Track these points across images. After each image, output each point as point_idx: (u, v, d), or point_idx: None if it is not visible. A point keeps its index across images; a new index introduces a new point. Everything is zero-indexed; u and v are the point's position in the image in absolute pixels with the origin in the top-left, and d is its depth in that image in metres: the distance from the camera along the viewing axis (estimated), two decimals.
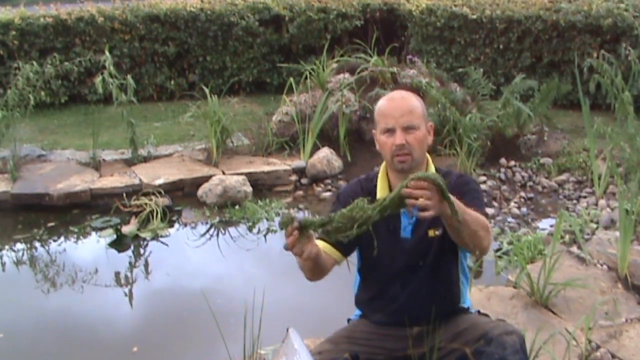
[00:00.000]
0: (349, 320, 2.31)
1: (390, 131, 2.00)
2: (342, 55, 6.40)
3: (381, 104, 2.08)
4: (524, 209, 4.64)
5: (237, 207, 4.75)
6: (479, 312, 2.23)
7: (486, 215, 2.00)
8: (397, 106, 2.01)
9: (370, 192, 2.10)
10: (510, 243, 3.93)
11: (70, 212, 4.74)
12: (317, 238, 1.97)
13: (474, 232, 1.85)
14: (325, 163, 5.32)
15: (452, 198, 1.71)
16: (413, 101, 2.05)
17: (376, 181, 2.13)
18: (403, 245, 2.07)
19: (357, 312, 2.29)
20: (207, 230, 4.56)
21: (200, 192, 4.88)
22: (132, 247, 4.25)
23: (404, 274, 2.09)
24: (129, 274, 3.96)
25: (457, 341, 2.02)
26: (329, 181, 5.28)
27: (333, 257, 2.07)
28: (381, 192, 2.10)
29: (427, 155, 2.12)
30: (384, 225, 2.01)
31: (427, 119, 2.09)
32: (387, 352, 2.12)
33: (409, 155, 1.99)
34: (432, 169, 2.11)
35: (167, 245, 4.32)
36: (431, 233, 2.05)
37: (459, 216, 1.73)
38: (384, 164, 2.15)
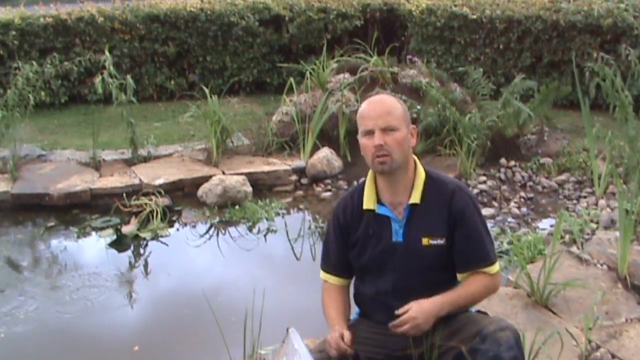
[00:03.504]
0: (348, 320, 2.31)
1: (369, 133, 2.04)
2: (342, 55, 6.40)
3: (361, 107, 2.12)
4: (524, 209, 4.64)
5: (237, 207, 4.74)
6: (478, 311, 2.24)
7: (487, 256, 2.09)
8: (375, 108, 2.05)
9: (360, 203, 2.15)
10: (510, 243, 3.93)
11: (70, 212, 4.74)
12: (324, 270, 2.24)
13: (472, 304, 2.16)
14: (325, 163, 5.31)
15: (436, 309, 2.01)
16: (392, 103, 2.08)
17: (363, 191, 2.16)
18: (395, 249, 2.09)
19: (357, 311, 2.31)
20: (207, 230, 4.56)
21: (200, 192, 4.88)
22: (132, 247, 4.24)
23: (396, 277, 2.11)
24: (129, 274, 3.95)
25: (453, 339, 2.03)
26: (329, 181, 5.27)
27: (346, 286, 2.25)
28: (367, 201, 2.13)
29: (416, 158, 2.13)
30: (373, 230, 2.10)
31: (409, 121, 2.10)
32: (386, 351, 2.13)
33: (388, 156, 2.02)
34: (421, 173, 2.12)
35: (167, 245, 4.32)
36: (425, 241, 2.07)
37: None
38: (370, 172, 2.17)
